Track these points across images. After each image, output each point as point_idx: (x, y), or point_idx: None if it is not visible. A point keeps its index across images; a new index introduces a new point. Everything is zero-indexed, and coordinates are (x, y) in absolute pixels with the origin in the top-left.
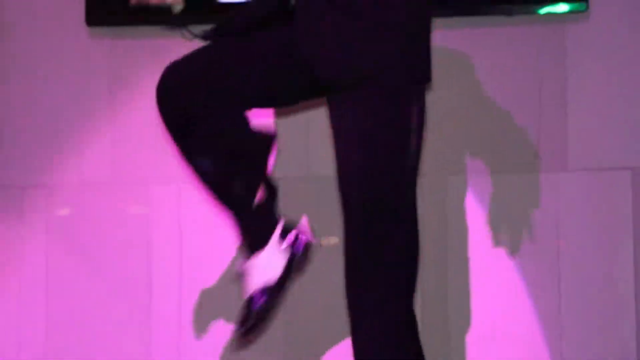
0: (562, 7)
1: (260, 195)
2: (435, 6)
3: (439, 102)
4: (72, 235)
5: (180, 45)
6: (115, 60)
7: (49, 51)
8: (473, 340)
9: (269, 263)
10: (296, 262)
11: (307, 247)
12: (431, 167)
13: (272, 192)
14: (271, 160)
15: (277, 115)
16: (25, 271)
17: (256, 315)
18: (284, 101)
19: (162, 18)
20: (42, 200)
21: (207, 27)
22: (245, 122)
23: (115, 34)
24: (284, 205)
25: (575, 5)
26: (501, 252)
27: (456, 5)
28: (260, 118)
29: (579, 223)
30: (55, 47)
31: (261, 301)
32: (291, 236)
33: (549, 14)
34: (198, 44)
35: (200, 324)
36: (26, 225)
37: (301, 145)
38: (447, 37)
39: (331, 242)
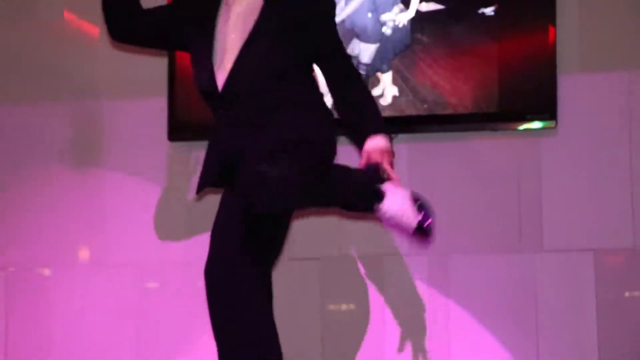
0: (536, 125)
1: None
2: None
3: (444, 196)
4: None
5: None
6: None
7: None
8: None
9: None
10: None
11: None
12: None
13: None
14: None
15: None
16: None
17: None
18: None
19: None
20: None
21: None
22: None
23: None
24: None
25: (547, 123)
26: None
27: (458, 123)
28: None
29: (552, 297)
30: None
31: (427, 219)
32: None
33: (526, 130)
34: None
35: None
36: None
37: None
38: (448, 147)
39: None
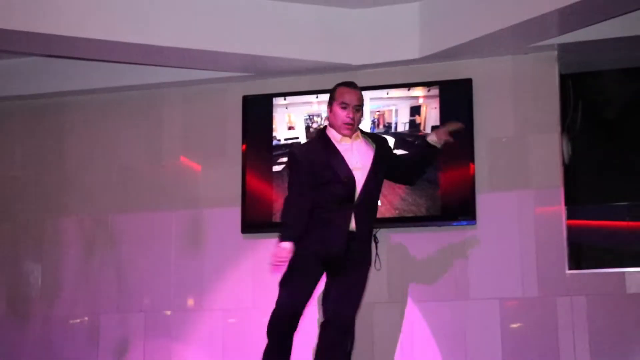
0: (464, 223)
1: None
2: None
3: (411, 264)
4: None
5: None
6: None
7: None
8: None
9: None
10: None
11: None
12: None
13: None
14: None
15: None
16: None
17: None
18: None
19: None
20: None
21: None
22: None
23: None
24: None
25: (470, 221)
26: None
27: (417, 222)
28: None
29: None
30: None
31: None
32: None
33: (458, 226)
34: None
35: None
36: None
37: None
38: (412, 237)
39: None
